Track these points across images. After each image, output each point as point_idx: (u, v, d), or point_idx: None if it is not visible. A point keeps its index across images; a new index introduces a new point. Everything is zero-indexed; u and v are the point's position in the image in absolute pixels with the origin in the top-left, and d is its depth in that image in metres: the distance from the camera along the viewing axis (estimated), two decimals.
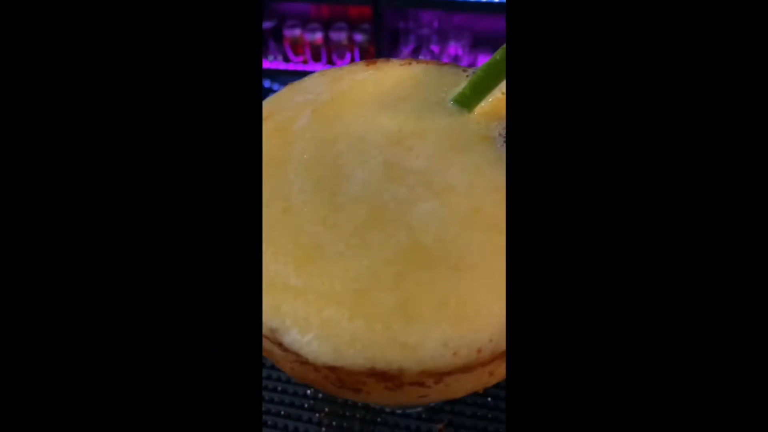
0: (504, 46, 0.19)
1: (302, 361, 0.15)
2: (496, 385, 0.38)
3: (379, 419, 0.37)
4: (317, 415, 0.38)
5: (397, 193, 0.18)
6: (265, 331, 0.16)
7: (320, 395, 0.39)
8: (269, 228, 0.18)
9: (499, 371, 0.16)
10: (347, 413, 0.38)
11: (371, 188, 0.19)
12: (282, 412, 0.38)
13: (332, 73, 0.24)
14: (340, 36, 1.34)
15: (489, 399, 0.38)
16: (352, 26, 1.35)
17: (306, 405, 0.39)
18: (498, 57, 0.19)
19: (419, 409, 0.38)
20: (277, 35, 1.39)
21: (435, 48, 1.37)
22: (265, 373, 0.40)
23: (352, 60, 1.41)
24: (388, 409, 0.38)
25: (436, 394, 0.16)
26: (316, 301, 0.16)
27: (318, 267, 0.16)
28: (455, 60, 1.34)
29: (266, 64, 1.43)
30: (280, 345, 0.15)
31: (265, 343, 0.16)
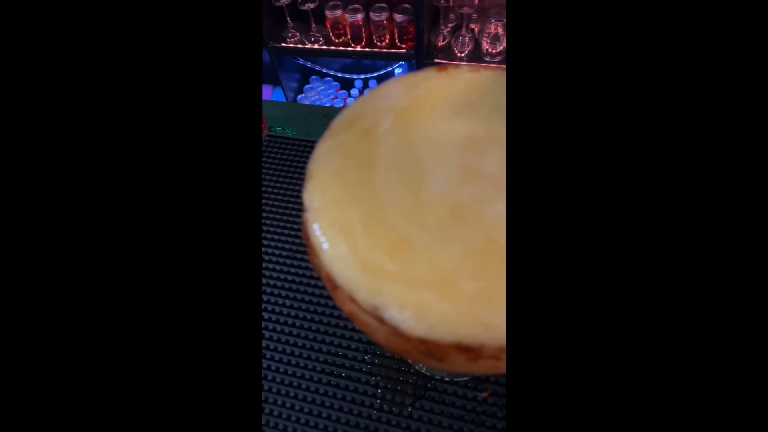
0: None
1: (398, 333, 0.19)
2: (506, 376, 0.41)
3: (429, 385, 0.41)
4: (374, 378, 0.42)
5: (473, 194, 0.21)
6: (366, 307, 0.19)
7: (376, 361, 0.43)
8: (365, 222, 0.21)
9: None
10: (401, 378, 0.42)
11: (450, 188, 0.21)
12: (343, 375, 0.43)
13: (408, 79, 0.27)
14: (380, 16, 1.34)
15: None
16: (393, 6, 1.34)
17: (364, 369, 0.43)
18: None
19: (466, 378, 0.41)
20: (319, 16, 1.41)
21: (475, 27, 1.35)
22: (332, 340, 0.44)
23: (392, 41, 1.41)
24: (438, 376, 0.42)
25: (503, 366, 0.19)
26: (410, 285, 0.19)
27: (408, 256, 0.20)
28: (495, 38, 1.31)
29: (308, 46, 1.46)
30: (380, 320, 0.19)
31: (365, 318, 0.20)
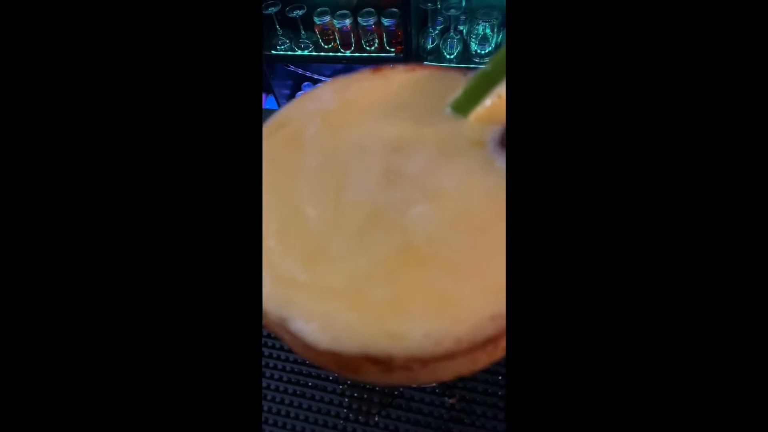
0: (497, 55, 0.21)
1: (307, 345, 0.18)
2: (505, 365, 0.40)
3: (396, 392, 0.41)
4: (341, 386, 0.42)
5: (394, 197, 0.20)
6: (275, 319, 0.18)
7: None
8: (283, 230, 0.20)
9: (482, 359, 0.18)
10: (368, 386, 0.41)
11: (371, 193, 0.21)
12: (309, 383, 0.42)
13: (341, 81, 0.26)
14: (368, 21, 1.34)
15: (500, 378, 0.40)
16: (380, 10, 1.34)
17: (330, 377, 0.42)
18: (490, 66, 0.21)
19: (433, 384, 0.40)
20: (308, 23, 1.41)
21: (463, 28, 1.35)
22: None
23: (381, 46, 1.41)
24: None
25: (425, 376, 0.18)
26: (318, 295, 0.18)
27: (322, 265, 0.19)
28: (483, 39, 1.31)
29: (298, 53, 1.46)
30: (289, 332, 0.18)
31: (278, 331, 0.19)
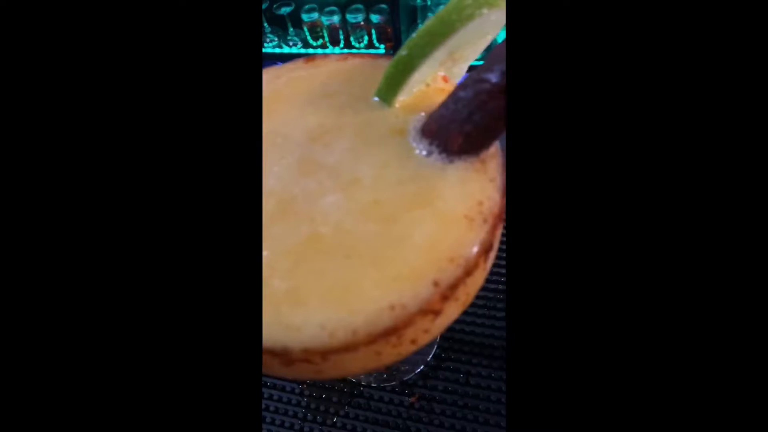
0: (412, 37, 0.20)
1: None
2: (467, 363, 0.40)
3: (356, 391, 0.40)
4: (300, 386, 0.41)
5: (307, 187, 0.20)
6: None
7: None
8: None
9: (387, 351, 0.18)
10: (327, 385, 0.41)
11: (284, 183, 0.20)
12: (268, 383, 0.41)
13: (272, 71, 0.25)
14: (357, 18, 1.33)
15: (461, 375, 0.40)
16: (369, 7, 1.34)
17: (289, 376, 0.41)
18: (405, 50, 0.20)
19: (394, 383, 0.40)
20: (296, 20, 1.41)
21: None
22: None
23: (371, 42, 1.40)
24: (364, 382, 0.40)
25: (330, 370, 0.18)
26: None
27: None
28: None
29: (286, 50, 1.46)
30: None
31: None
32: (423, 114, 0.22)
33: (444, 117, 0.19)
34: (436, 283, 0.17)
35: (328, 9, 1.35)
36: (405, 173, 0.20)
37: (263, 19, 1.41)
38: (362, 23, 1.35)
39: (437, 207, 0.18)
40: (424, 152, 0.20)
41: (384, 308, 0.16)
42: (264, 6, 1.39)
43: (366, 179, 0.20)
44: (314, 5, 1.37)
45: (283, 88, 0.24)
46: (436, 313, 0.17)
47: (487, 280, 0.42)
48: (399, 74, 0.21)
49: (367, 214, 0.19)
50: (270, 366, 0.18)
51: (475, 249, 0.18)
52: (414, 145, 0.21)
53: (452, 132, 0.19)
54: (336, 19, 1.35)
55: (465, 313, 0.41)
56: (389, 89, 0.21)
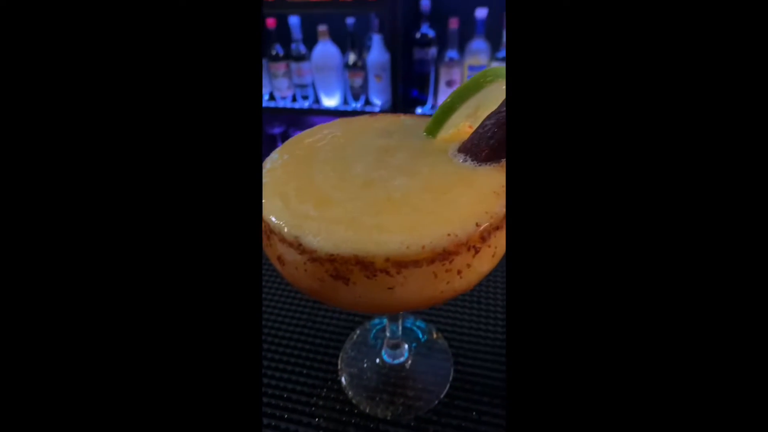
0: (454, 91, 0.31)
1: (313, 257, 0.24)
2: (478, 402, 0.42)
3: (372, 425, 0.41)
4: (316, 420, 0.42)
5: (382, 174, 0.29)
6: (291, 239, 0.25)
7: (320, 403, 0.43)
8: (298, 189, 0.28)
9: (441, 276, 0.24)
10: (344, 419, 0.42)
11: (366, 171, 0.29)
12: (286, 416, 0.42)
13: (346, 119, 0.36)
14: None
15: (474, 413, 0.42)
16: None
17: (307, 411, 0.43)
18: (449, 99, 0.31)
19: (410, 417, 0.42)
20: None
21: None
22: (273, 382, 0.45)
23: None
24: (380, 415, 0.42)
25: (400, 288, 0.24)
26: (325, 222, 0.25)
27: (328, 206, 0.26)
28: None
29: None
30: (299, 246, 0.24)
31: (289, 254, 0.25)
32: (457, 143, 0.32)
33: (475, 138, 0.29)
34: (477, 225, 0.25)
35: None
36: (449, 169, 0.29)
37: None
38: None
39: (474, 187, 0.27)
40: (461, 160, 0.30)
41: (443, 234, 0.24)
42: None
43: (422, 172, 0.29)
44: None
45: (355, 128, 0.35)
46: (476, 250, 0.25)
47: (494, 331, 0.47)
48: (443, 114, 0.31)
49: (426, 188, 0.27)
50: (357, 281, 0.24)
51: (503, 210, 0.26)
52: (453, 157, 0.30)
53: (481, 146, 0.29)
54: None
55: (474, 357, 0.45)
56: (435, 125, 0.32)
